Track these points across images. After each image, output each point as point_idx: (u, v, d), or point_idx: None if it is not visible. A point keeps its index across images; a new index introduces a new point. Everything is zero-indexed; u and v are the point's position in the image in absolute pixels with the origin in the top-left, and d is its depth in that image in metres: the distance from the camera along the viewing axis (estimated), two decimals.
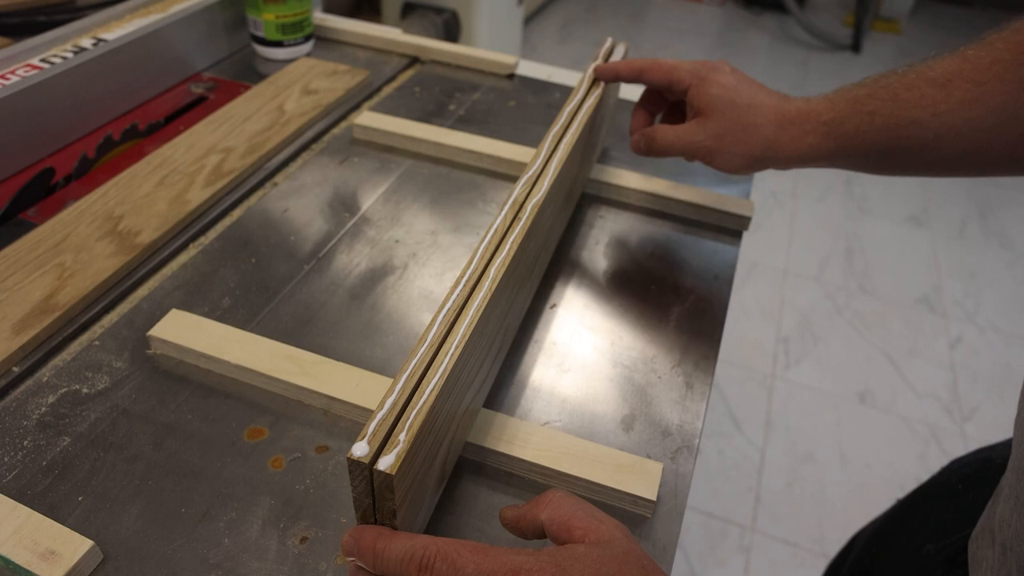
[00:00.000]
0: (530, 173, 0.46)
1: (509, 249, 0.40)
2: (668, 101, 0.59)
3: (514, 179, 0.67)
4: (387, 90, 0.80)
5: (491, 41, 2.01)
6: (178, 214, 0.57)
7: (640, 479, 0.41)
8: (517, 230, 0.42)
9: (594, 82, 0.58)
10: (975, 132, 0.44)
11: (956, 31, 3.30)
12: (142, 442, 0.43)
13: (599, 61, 0.60)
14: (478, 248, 0.40)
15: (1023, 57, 0.42)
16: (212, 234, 0.59)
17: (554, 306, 0.55)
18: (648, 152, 0.56)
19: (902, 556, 0.57)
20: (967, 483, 0.55)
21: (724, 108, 0.51)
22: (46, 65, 0.65)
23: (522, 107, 0.78)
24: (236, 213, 0.61)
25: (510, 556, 0.28)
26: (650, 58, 0.56)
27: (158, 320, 0.48)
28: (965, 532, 0.46)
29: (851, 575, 0.64)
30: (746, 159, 0.51)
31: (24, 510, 0.37)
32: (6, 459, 0.41)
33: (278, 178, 0.65)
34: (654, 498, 0.40)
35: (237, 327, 0.48)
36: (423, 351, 0.34)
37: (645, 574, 0.29)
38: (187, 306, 0.51)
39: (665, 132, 0.54)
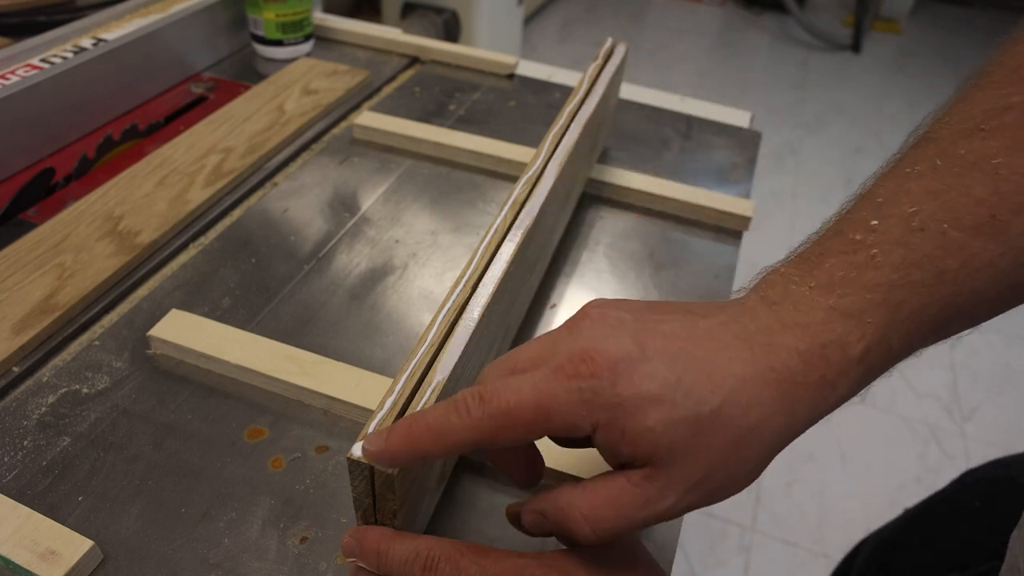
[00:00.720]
0: (530, 173, 0.46)
1: (509, 250, 0.40)
2: None
3: (514, 179, 0.67)
4: (387, 90, 0.80)
5: (491, 41, 2.01)
6: (178, 214, 0.57)
7: None
8: (518, 231, 0.42)
9: (595, 81, 0.58)
10: None
11: (956, 31, 3.30)
12: (142, 442, 0.43)
13: (599, 61, 0.60)
14: (478, 248, 0.40)
15: None
16: (212, 234, 0.59)
17: (554, 306, 0.55)
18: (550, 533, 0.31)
19: (912, 570, 0.55)
20: (985, 502, 0.52)
21: (686, 440, 0.26)
22: (46, 65, 0.65)
23: (522, 107, 0.78)
24: (236, 213, 0.61)
25: (514, 559, 0.28)
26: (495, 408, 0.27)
27: (158, 320, 0.48)
28: (991, 564, 0.43)
29: None
30: (753, 474, 0.29)
31: (24, 510, 0.37)
32: (6, 459, 0.41)
33: (278, 178, 0.65)
34: None
35: (237, 327, 0.48)
36: (423, 351, 0.34)
37: (648, 572, 0.29)
38: (187, 306, 0.51)
39: (593, 504, 0.28)
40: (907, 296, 0.27)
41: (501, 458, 0.34)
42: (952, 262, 0.27)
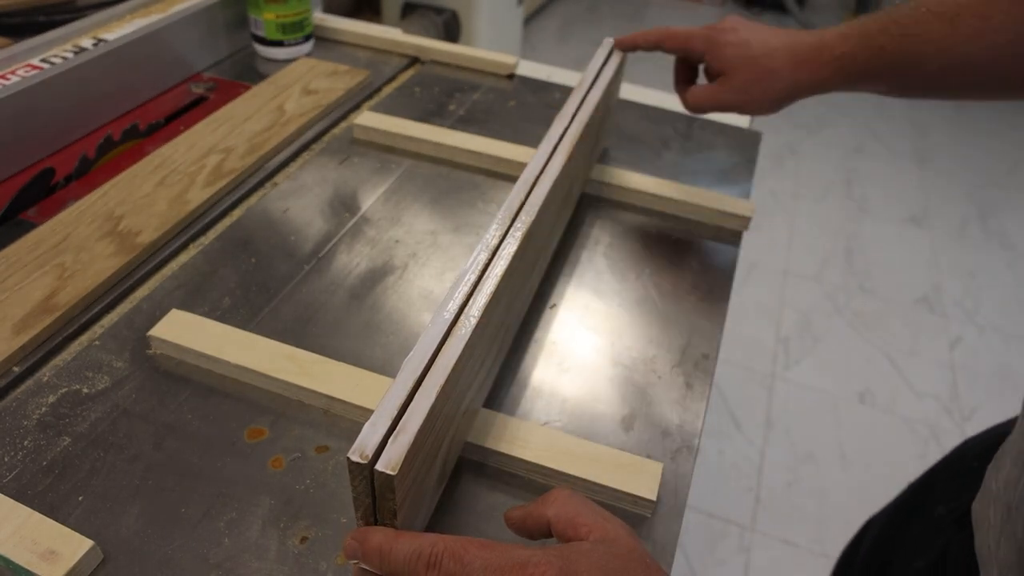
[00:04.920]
0: (530, 174, 0.46)
1: (509, 249, 0.40)
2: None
3: (514, 179, 0.67)
4: (387, 90, 0.80)
5: (491, 41, 2.01)
6: (178, 214, 0.57)
7: (640, 479, 0.41)
8: (519, 231, 0.42)
9: (595, 81, 0.58)
10: (979, 65, 0.48)
11: None
12: (142, 442, 0.43)
13: (598, 63, 0.60)
14: (478, 248, 0.40)
15: None
16: (212, 234, 0.59)
17: (554, 306, 0.55)
18: (692, 110, 0.61)
19: (917, 526, 0.58)
20: (982, 460, 0.55)
21: (741, 65, 0.56)
22: (46, 65, 0.65)
23: (522, 107, 0.78)
24: (236, 213, 0.61)
25: (517, 551, 0.28)
26: (664, 28, 0.60)
27: (158, 320, 0.48)
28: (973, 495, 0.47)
29: (869, 556, 0.64)
30: (773, 102, 0.56)
31: (24, 510, 0.37)
32: (6, 459, 0.41)
33: (278, 178, 0.65)
34: (654, 498, 0.40)
35: (237, 327, 0.48)
36: (424, 351, 0.34)
37: (648, 572, 0.29)
38: (187, 306, 0.51)
39: (696, 94, 0.59)
40: (873, 43, 0.51)
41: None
42: (892, 44, 0.50)
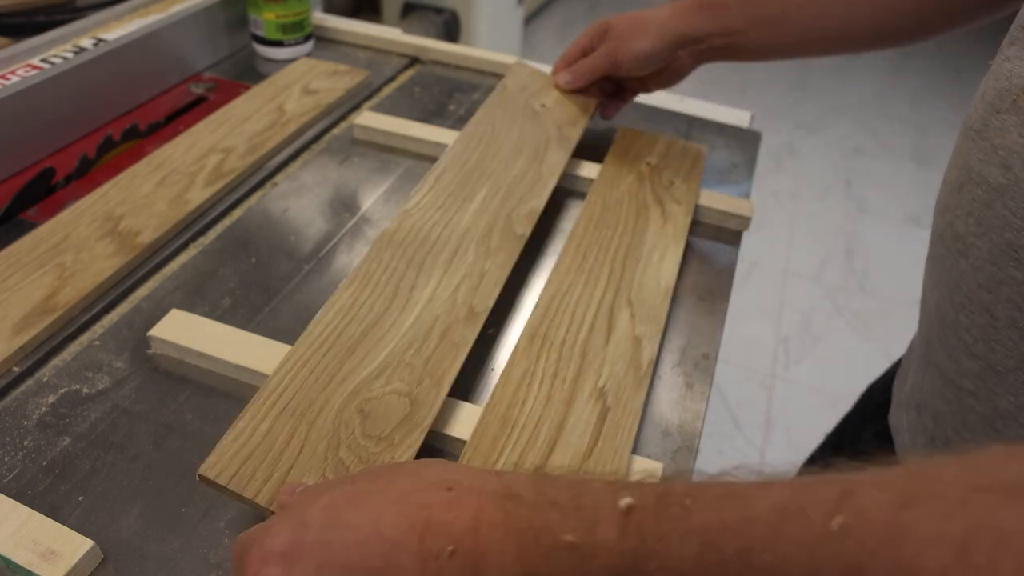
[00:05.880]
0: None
1: None
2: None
3: None
4: (387, 90, 0.80)
5: (491, 41, 2.01)
6: (178, 214, 0.57)
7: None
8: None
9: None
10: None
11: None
12: (142, 442, 0.43)
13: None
14: None
15: None
16: (212, 234, 0.59)
17: None
18: (575, 81, 0.67)
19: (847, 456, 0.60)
20: (887, 390, 0.58)
21: (621, 29, 0.63)
22: (46, 65, 0.65)
23: None
24: (236, 213, 0.61)
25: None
26: (580, 64, 0.68)
27: (158, 320, 0.48)
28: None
29: None
30: (641, 56, 0.61)
31: (24, 510, 0.37)
32: (6, 459, 0.41)
33: (278, 178, 0.65)
34: None
35: (237, 327, 0.48)
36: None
37: (420, 468, 0.30)
38: (187, 306, 0.51)
39: (574, 68, 0.67)
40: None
41: None
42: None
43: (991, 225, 0.35)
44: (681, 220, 0.59)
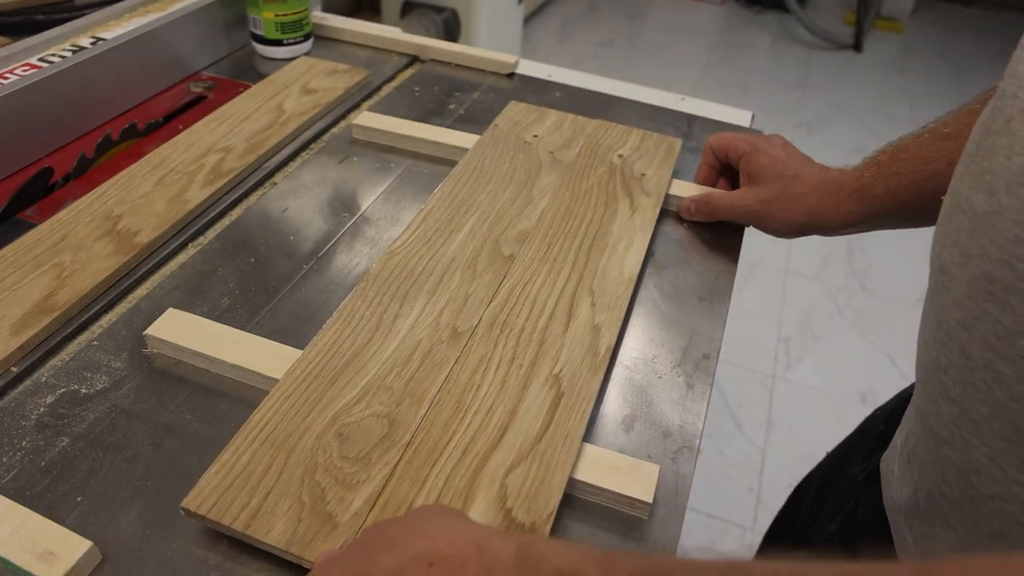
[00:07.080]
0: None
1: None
2: (725, 166, 0.64)
3: None
4: (387, 89, 0.79)
5: (491, 40, 2.01)
6: (177, 214, 0.57)
7: (636, 481, 0.41)
8: None
9: None
10: None
11: (957, 30, 3.29)
12: (141, 442, 0.42)
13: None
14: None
15: None
16: (211, 234, 0.59)
17: None
18: (705, 215, 0.62)
19: (838, 487, 0.60)
20: (888, 422, 0.58)
21: (772, 177, 0.57)
22: (44, 64, 0.65)
23: None
24: (235, 213, 0.61)
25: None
26: (713, 137, 0.63)
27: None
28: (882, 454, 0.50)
29: (803, 526, 0.66)
30: (792, 225, 0.57)
31: (23, 510, 0.37)
32: (4, 459, 0.41)
33: (277, 178, 0.65)
34: (650, 500, 0.40)
35: (236, 327, 0.48)
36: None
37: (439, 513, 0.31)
38: (186, 306, 0.51)
39: (720, 197, 0.60)
40: (887, 171, 0.54)
41: None
42: (905, 167, 0.53)
43: (972, 255, 0.32)
44: (650, 211, 0.60)
